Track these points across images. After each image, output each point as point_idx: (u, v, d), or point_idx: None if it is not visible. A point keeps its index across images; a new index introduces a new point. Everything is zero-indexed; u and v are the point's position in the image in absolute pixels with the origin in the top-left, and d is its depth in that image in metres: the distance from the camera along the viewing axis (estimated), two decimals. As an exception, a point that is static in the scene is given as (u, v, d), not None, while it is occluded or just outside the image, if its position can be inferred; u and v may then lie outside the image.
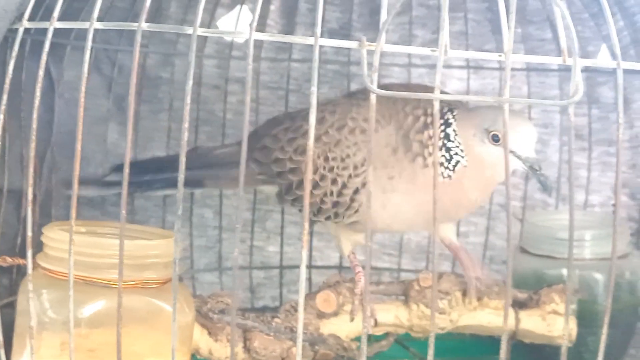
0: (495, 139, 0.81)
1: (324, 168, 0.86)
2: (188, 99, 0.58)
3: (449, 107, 0.85)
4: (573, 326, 0.91)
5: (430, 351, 0.53)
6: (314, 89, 0.56)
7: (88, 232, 0.76)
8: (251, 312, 0.87)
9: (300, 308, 0.56)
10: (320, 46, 1.21)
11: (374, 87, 0.56)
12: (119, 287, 0.59)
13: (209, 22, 1.12)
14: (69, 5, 1.01)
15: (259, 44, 1.16)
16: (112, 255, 0.68)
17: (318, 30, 0.57)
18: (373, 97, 0.56)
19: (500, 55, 0.57)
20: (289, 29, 1.16)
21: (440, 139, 0.82)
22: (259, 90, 1.17)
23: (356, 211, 0.87)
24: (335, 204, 0.87)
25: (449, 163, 0.83)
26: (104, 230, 0.76)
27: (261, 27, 1.15)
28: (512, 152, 0.81)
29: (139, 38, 0.59)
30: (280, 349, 0.84)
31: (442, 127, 0.83)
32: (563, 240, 0.95)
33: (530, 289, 0.93)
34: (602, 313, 0.97)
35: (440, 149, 0.82)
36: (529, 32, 1.14)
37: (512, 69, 1.15)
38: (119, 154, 1.10)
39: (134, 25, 0.59)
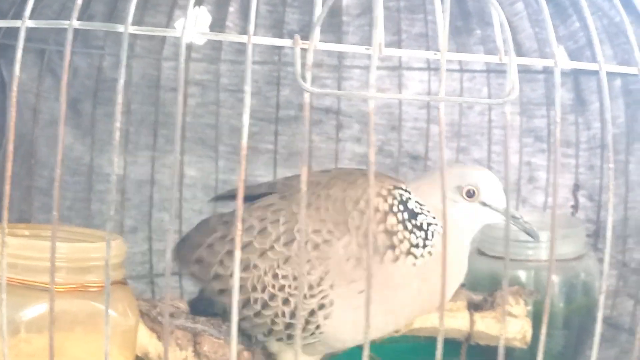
0: (470, 195, 0.77)
1: (273, 286, 0.78)
2: (120, 98, 0.57)
3: (394, 185, 0.79)
4: (528, 328, 0.91)
5: (366, 352, 0.53)
6: (248, 88, 0.56)
7: (31, 235, 0.74)
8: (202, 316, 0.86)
9: (234, 309, 0.55)
10: (281, 48, 1.22)
11: (308, 85, 0.55)
12: (50, 291, 0.58)
13: (166, 24, 1.11)
14: (19, 6, 1.00)
15: (218, 46, 1.16)
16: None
17: (251, 28, 0.56)
18: (307, 96, 0.56)
19: (435, 54, 0.56)
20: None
21: (402, 221, 0.77)
22: (219, 93, 1.16)
23: (312, 334, 0.79)
24: (289, 326, 0.79)
25: (426, 240, 0.76)
26: (48, 233, 0.75)
27: (220, 29, 1.14)
28: (488, 205, 0.77)
29: (70, 37, 0.58)
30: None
31: (402, 208, 0.77)
32: (519, 241, 0.95)
33: (486, 291, 0.93)
34: (558, 314, 0.97)
35: (410, 232, 0.76)
36: (487, 34, 1.14)
37: (473, 71, 1.16)
38: (73, 157, 1.09)
39: (65, 23, 0.58)
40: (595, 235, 1.07)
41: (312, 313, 0.77)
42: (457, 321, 0.91)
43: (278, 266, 0.78)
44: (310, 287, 0.77)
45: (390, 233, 0.76)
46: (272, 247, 0.79)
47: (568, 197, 1.12)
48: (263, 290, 0.78)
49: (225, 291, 0.81)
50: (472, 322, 0.91)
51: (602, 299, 0.62)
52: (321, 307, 0.77)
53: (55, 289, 0.68)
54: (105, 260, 0.56)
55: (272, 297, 0.78)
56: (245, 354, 0.83)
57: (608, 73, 1.05)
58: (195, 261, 0.83)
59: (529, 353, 0.96)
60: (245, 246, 0.79)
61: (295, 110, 1.18)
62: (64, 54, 1.06)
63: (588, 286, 0.97)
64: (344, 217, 0.78)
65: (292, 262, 0.78)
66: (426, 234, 0.77)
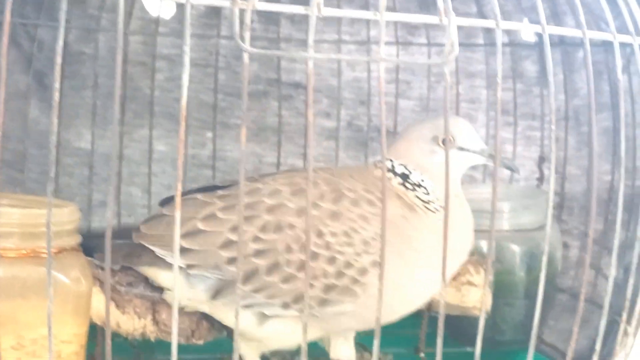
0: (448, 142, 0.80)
1: (316, 245, 0.74)
2: (59, 59, 0.57)
3: (375, 163, 0.83)
4: (487, 297, 0.91)
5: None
6: (187, 48, 0.56)
7: (-14, 204, 0.75)
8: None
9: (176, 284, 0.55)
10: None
11: (247, 46, 0.55)
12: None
13: (132, 0, 1.11)
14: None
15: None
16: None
17: (190, -11, 0.56)
18: (246, 57, 0.56)
19: (375, 14, 0.56)
20: (215, 9, 1.15)
21: (402, 184, 0.80)
22: (187, 67, 1.16)
23: (355, 295, 0.75)
24: (330, 288, 0.75)
25: (428, 195, 0.80)
26: (3, 201, 0.75)
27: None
28: (465, 149, 0.81)
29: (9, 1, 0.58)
30: (189, 321, 0.83)
31: (397, 172, 0.80)
32: (480, 211, 0.95)
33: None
34: (519, 284, 0.98)
35: (414, 191, 0.80)
36: (454, 6, 1.13)
37: (441, 45, 1.16)
38: (40, 131, 1.09)
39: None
40: (559, 207, 1.08)
41: (362, 271, 0.74)
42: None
43: (323, 223, 0.75)
44: (365, 243, 0.75)
45: (404, 194, 0.79)
46: (315, 204, 0.75)
47: (534, 170, 1.12)
48: (302, 250, 0.74)
49: (237, 259, 0.74)
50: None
51: (544, 260, 0.62)
52: (375, 264, 0.74)
53: (7, 255, 0.69)
54: (47, 223, 0.56)
55: (315, 256, 0.74)
56: (205, 323, 0.84)
57: (572, 44, 1.06)
58: (186, 234, 0.77)
59: (491, 322, 0.96)
60: (272, 209, 0.76)
61: (264, 85, 1.18)
62: (28, 27, 1.08)
63: (549, 256, 0.97)
64: (377, 185, 0.79)
65: (343, 217, 0.75)
66: (426, 189, 0.80)
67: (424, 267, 0.75)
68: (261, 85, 1.18)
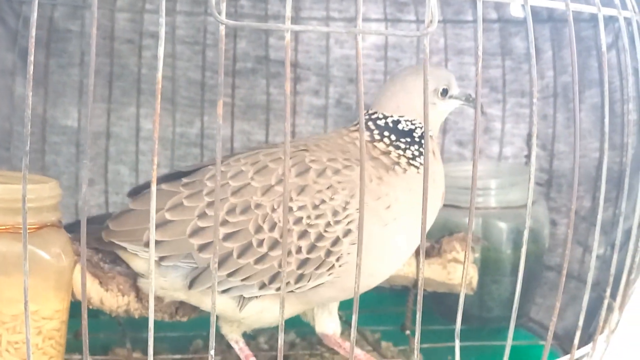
0: (445, 93, 0.83)
1: (287, 221, 0.70)
2: (33, 31, 0.56)
3: (368, 115, 0.81)
4: (474, 274, 0.91)
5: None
6: (162, 20, 0.55)
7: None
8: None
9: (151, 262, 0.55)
10: (237, 0, 1.20)
11: (223, 17, 0.55)
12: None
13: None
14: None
15: (173, -3, 1.15)
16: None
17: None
18: (222, 28, 0.55)
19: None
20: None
21: (392, 143, 0.79)
22: (175, 45, 1.15)
23: (331, 267, 0.74)
24: (304, 263, 0.74)
25: (421, 148, 0.78)
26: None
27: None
28: (456, 98, 0.84)
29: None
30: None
31: (390, 127, 0.79)
32: (468, 189, 0.95)
33: (434, 238, 0.93)
34: (506, 261, 0.98)
35: (405, 149, 0.79)
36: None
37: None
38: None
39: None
40: (548, 184, 1.07)
41: (335, 242, 0.73)
42: (404, 267, 0.91)
43: (291, 198, 0.73)
44: (335, 213, 0.73)
45: (386, 153, 0.78)
46: (279, 180, 0.74)
47: (522, 147, 1.12)
48: (272, 229, 0.73)
49: (208, 245, 0.74)
50: (417, 268, 0.91)
51: (526, 234, 0.62)
52: (347, 233, 0.73)
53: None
54: (23, 196, 0.55)
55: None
56: (189, 300, 0.84)
57: (561, 20, 1.05)
58: (155, 227, 0.71)
59: (478, 299, 0.96)
60: (238, 190, 0.75)
61: (253, 63, 1.17)
62: (13, 3, 1.07)
63: (536, 233, 0.98)
64: (355, 150, 0.78)
65: (310, 190, 0.74)
66: (419, 145, 0.79)
67: (400, 226, 0.75)
68: (250, 63, 1.17)
